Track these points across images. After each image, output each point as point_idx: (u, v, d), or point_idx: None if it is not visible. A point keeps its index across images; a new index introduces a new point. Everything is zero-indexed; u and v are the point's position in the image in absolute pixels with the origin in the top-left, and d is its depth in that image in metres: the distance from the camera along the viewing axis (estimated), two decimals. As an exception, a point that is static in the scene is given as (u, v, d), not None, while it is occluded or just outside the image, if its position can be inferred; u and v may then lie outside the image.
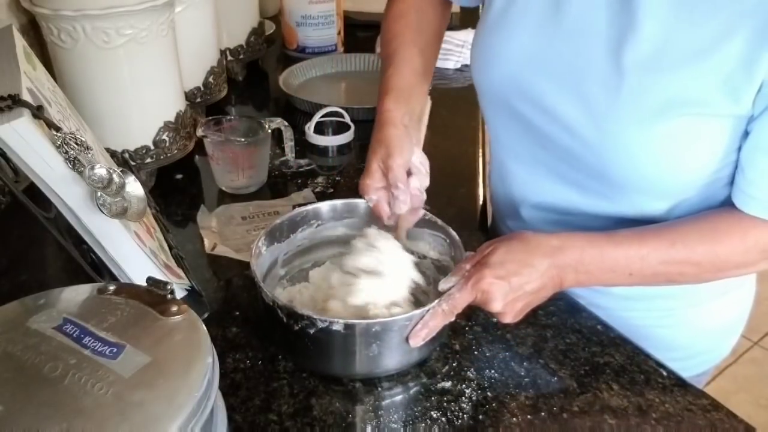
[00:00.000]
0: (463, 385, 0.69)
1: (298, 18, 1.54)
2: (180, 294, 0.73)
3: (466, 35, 1.53)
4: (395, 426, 0.65)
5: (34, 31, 1.01)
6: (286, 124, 1.07)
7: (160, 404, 0.41)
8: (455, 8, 0.93)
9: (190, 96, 1.18)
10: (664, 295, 0.80)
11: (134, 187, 0.64)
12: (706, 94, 0.63)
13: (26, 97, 0.62)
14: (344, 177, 1.08)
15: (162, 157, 1.01)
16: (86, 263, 0.67)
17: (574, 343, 0.75)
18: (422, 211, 0.76)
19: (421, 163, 0.76)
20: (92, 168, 0.60)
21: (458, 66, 1.54)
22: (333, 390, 0.68)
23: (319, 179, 1.07)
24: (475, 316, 0.77)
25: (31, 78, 0.70)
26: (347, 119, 1.18)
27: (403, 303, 0.72)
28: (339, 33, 1.60)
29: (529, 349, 0.74)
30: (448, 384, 0.69)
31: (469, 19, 1.56)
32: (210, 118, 1.03)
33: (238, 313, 0.78)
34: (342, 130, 1.18)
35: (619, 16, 0.66)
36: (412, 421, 0.65)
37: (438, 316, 0.66)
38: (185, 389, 0.42)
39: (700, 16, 0.62)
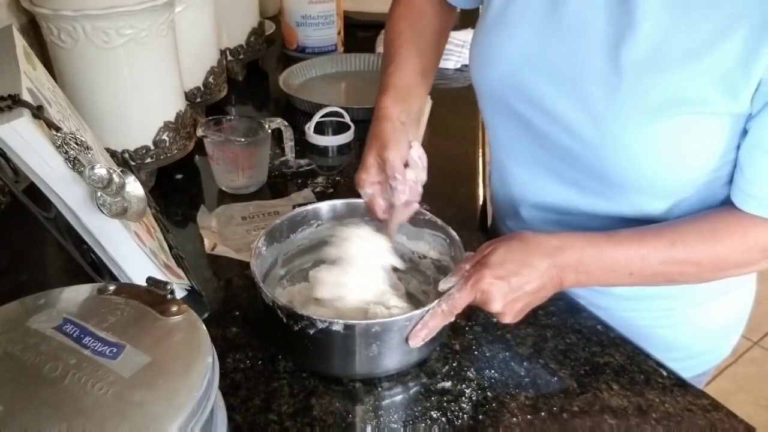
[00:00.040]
0: (463, 385, 0.69)
1: (298, 18, 1.54)
2: (180, 294, 0.73)
3: (466, 35, 1.52)
4: (395, 426, 0.65)
5: (34, 31, 1.01)
6: (286, 124, 1.07)
7: (160, 404, 0.41)
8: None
9: (190, 96, 1.18)
10: (664, 296, 0.80)
11: (134, 187, 0.64)
12: (705, 92, 0.63)
13: (26, 97, 0.62)
14: (344, 177, 1.08)
15: (162, 157, 1.01)
16: (86, 263, 0.67)
17: (574, 343, 0.75)
18: (416, 206, 0.76)
19: (419, 157, 0.76)
20: (92, 168, 0.60)
21: (458, 66, 1.54)
22: (333, 390, 0.68)
23: (319, 179, 1.07)
24: (475, 316, 0.77)
25: (31, 78, 0.70)
26: (347, 119, 1.18)
27: (377, 287, 0.73)
28: (339, 33, 1.60)
29: (529, 349, 0.74)
30: (448, 384, 0.69)
31: (469, 19, 1.55)
32: (210, 118, 1.03)
33: (238, 313, 0.78)
34: (342, 130, 1.18)
35: (617, 16, 0.66)
36: (412, 421, 0.65)
37: (438, 317, 0.66)
38: (185, 389, 0.42)
39: (697, 15, 0.62)
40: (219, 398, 0.49)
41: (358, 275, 0.72)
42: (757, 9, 0.59)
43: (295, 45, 1.58)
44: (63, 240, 0.64)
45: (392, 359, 0.67)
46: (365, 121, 0.84)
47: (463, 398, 0.68)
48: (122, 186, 0.63)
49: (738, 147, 0.67)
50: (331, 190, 1.04)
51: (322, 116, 1.17)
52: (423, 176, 0.76)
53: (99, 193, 0.62)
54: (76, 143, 0.62)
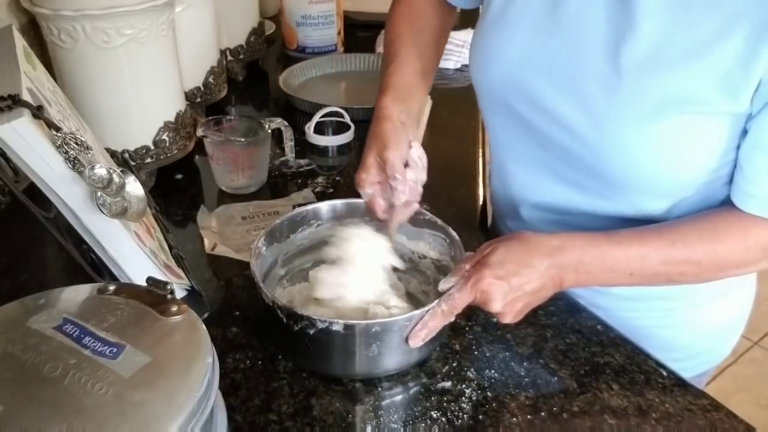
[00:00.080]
0: (463, 385, 0.69)
1: (298, 18, 1.54)
2: (180, 294, 0.73)
3: (466, 35, 1.52)
4: (395, 426, 0.65)
5: (34, 31, 1.01)
6: (286, 124, 1.07)
7: (160, 404, 0.41)
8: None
9: (190, 96, 1.18)
10: (664, 296, 0.80)
11: (134, 187, 0.64)
12: (704, 92, 0.63)
13: (26, 97, 0.62)
14: (344, 177, 1.08)
15: (162, 157, 1.01)
16: (86, 263, 0.67)
17: (574, 343, 0.75)
18: (416, 206, 0.76)
19: (419, 157, 0.76)
20: (92, 168, 0.60)
21: (458, 66, 1.54)
22: (333, 390, 0.68)
23: (319, 179, 1.07)
24: (475, 316, 0.77)
25: (31, 78, 0.70)
26: (347, 119, 1.18)
27: (377, 287, 0.73)
28: (339, 33, 1.60)
29: (529, 349, 0.74)
30: (448, 384, 0.69)
31: (469, 19, 1.55)
32: (210, 118, 1.03)
33: (238, 313, 0.78)
34: (342, 130, 1.18)
35: (617, 16, 0.66)
36: (412, 421, 0.65)
37: (437, 317, 0.66)
38: (185, 389, 0.42)
39: (697, 15, 0.62)
40: (219, 398, 0.49)
41: (357, 275, 0.72)
42: (758, 9, 0.59)
43: (295, 45, 1.58)
44: (63, 240, 0.64)
45: (392, 359, 0.67)
46: (365, 121, 0.84)
47: (463, 398, 0.68)
48: (122, 186, 0.63)
49: (738, 147, 0.67)
50: (331, 190, 1.04)
51: (322, 116, 1.17)
52: (423, 176, 0.76)
53: (99, 193, 0.62)
54: (76, 143, 0.62)
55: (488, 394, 0.68)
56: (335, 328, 0.63)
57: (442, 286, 0.68)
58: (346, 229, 0.76)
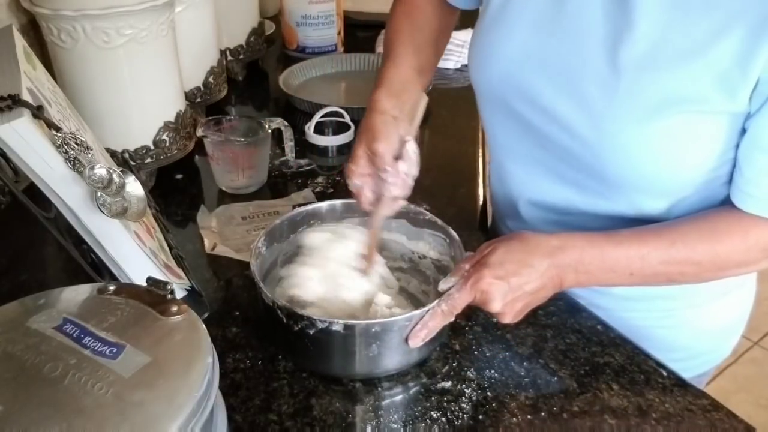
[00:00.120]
0: (463, 385, 0.69)
1: (298, 18, 1.54)
2: (180, 294, 0.73)
3: (466, 35, 1.52)
4: (395, 426, 0.65)
5: (34, 31, 1.01)
6: (286, 124, 1.07)
7: (160, 404, 0.41)
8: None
9: (190, 96, 1.18)
10: (664, 296, 0.80)
11: (134, 187, 0.64)
12: (703, 91, 0.63)
13: (26, 97, 0.62)
14: (344, 177, 1.07)
15: (162, 157, 1.01)
16: (86, 263, 0.67)
17: (574, 343, 0.75)
18: (402, 202, 0.76)
19: (413, 151, 0.76)
20: (92, 168, 0.60)
21: (458, 66, 1.54)
22: (333, 390, 0.68)
23: (319, 179, 1.07)
24: (475, 316, 0.77)
25: (31, 78, 0.70)
26: (347, 119, 1.18)
27: (352, 281, 0.73)
28: (339, 33, 1.60)
29: (529, 349, 0.74)
30: (448, 384, 0.69)
31: (469, 19, 1.55)
32: (210, 118, 1.03)
33: (238, 313, 0.78)
34: (342, 130, 1.18)
35: (615, 15, 0.66)
36: (412, 421, 0.65)
37: (437, 317, 0.66)
38: (185, 389, 0.42)
39: (695, 14, 0.62)
40: (219, 398, 0.49)
41: (319, 272, 0.73)
42: (755, 8, 0.59)
43: (295, 45, 1.58)
44: (63, 240, 0.64)
45: (392, 359, 0.67)
46: (365, 121, 0.84)
47: (463, 398, 0.68)
48: (122, 186, 0.63)
49: (737, 146, 0.67)
50: (331, 190, 1.04)
51: (322, 116, 1.17)
52: (415, 171, 0.76)
53: (99, 193, 0.62)
54: (76, 143, 0.62)
55: (488, 394, 0.68)
56: (335, 328, 0.63)
57: (442, 286, 0.68)
58: (326, 226, 0.77)
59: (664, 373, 0.71)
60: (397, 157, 0.73)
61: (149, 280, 0.51)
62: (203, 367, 0.44)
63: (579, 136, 0.70)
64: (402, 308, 0.73)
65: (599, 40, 0.67)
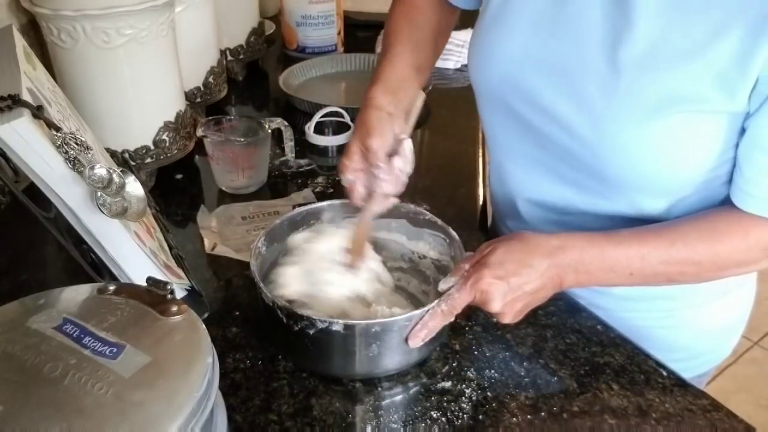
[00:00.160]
0: (463, 385, 0.69)
1: (298, 18, 1.54)
2: (180, 294, 0.73)
3: (467, 35, 1.52)
4: (395, 426, 0.65)
5: (34, 31, 1.01)
6: (286, 124, 1.07)
7: (160, 404, 0.41)
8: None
9: (190, 96, 1.18)
10: (664, 296, 0.80)
11: (134, 187, 0.64)
12: (702, 90, 0.63)
13: (26, 97, 0.62)
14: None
15: (162, 157, 1.01)
16: (86, 263, 0.67)
17: (574, 343, 0.75)
18: (394, 200, 0.76)
19: (409, 149, 0.76)
20: (92, 168, 0.60)
21: (458, 66, 1.54)
22: (333, 390, 0.68)
23: (319, 179, 1.07)
24: (475, 316, 0.77)
25: (31, 78, 0.70)
26: (347, 119, 1.18)
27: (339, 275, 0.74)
28: (339, 33, 1.60)
29: (529, 349, 0.74)
30: (448, 384, 0.69)
31: (469, 19, 1.55)
32: (210, 118, 1.03)
33: (238, 313, 0.78)
34: (342, 130, 1.18)
35: (614, 15, 0.66)
36: (412, 421, 0.65)
37: (437, 317, 0.66)
38: (185, 389, 0.42)
39: (694, 14, 0.62)
40: (219, 398, 0.49)
41: (304, 268, 0.74)
42: (754, 7, 0.59)
43: (295, 45, 1.58)
44: (63, 240, 0.64)
45: (392, 359, 0.67)
46: (365, 121, 0.84)
47: (463, 398, 0.68)
48: (122, 186, 0.63)
49: (736, 146, 0.67)
50: (331, 190, 1.04)
51: (322, 116, 1.17)
52: (409, 169, 0.76)
53: (99, 193, 0.62)
54: (76, 143, 0.62)
55: (488, 394, 0.68)
56: (335, 328, 0.63)
57: (442, 286, 0.68)
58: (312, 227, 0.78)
59: (664, 373, 0.71)
60: (391, 154, 0.73)
61: (149, 280, 0.51)
62: (203, 367, 0.44)
63: (579, 135, 0.70)
64: (402, 308, 0.73)
65: (599, 40, 0.67)
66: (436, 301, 0.66)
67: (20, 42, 0.76)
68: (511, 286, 0.66)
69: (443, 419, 0.65)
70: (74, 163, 0.62)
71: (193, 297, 0.74)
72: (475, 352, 0.73)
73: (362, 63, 1.50)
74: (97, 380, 0.42)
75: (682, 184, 0.71)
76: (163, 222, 0.85)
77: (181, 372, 0.43)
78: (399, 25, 0.87)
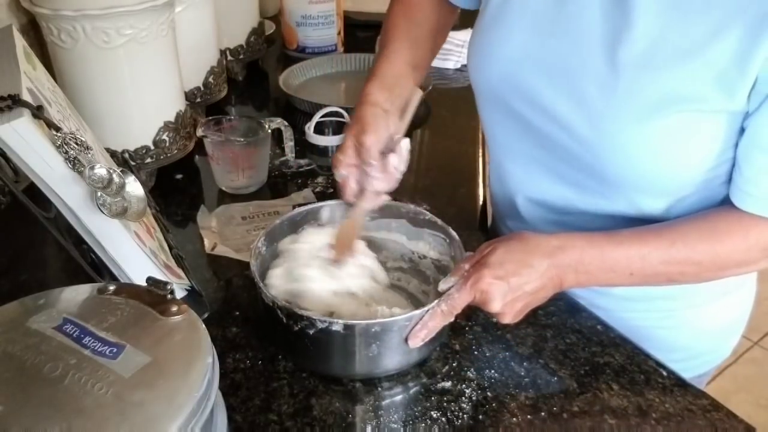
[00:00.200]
0: (463, 385, 0.69)
1: (298, 18, 1.54)
2: (180, 294, 0.73)
3: (466, 35, 1.52)
4: (395, 426, 0.65)
5: (34, 31, 1.01)
6: (286, 124, 1.07)
7: (160, 404, 0.41)
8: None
9: (190, 96, 1.18)
10: (664, 296, 0.80)
11: (134, 187, 0.64)
12: (701, 90, 0.63)
13: (26, 97, 0.62)
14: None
15: (162, 157, 1.01)
16: (86, 263, 0.67)
17: (574, 343, 0.75)
18: (385, 197, 0.76)
19: (406, 148, 0.76)
20: (92, 168, 0.60)
21: (458, 66, 1.54)
22: (333, 390, 0.68)
23: (319, 179, 1.07)
24: (475, 316, 0.77)
25: (31, 78, 0.70)
26: (347, 119, 1.18)
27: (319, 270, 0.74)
28: (339, 33, 1.60)
29: (529, 349, 0.74)
30: (448, 384, 0.69)
31: (469, 19, 1.55)
32: (210, 118, 1.03)
33: (238, 313, 0.78)
34: (342, 130, 1.18)
35: (613, 15, 0.66)
36: (412, 421, 0.65)
37: (437, 317, 0.66)
38: (185, 389, 0.42)
39: (693, 14, 0.62)
40: (219, 398, 0.49)
41: (287, 267, 0.74)
42: (753, 7, 0.59)
43: (295, 45, 1.58)
44: (63, 240, 0.64)
45: (392, 359, 0.67)
46: (365, 121, 0.84)
47: (463, 398, 0.68)
48: (122, 186, 0.63)
49: (736, 145, 0.67)
50: (331, 190, 1.04)
51: (322, 116, 1.17)
52: (403, 167, 0.76)
53: (99, 193, 0.62)
54: (76, 143, 0.62)
55: (488, 394, 0.68)
56: (335, 328, 0.63)
57: (442, 286, 0.68)
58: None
59: (664, 373, 0.71)
60: (385, 151, 0.73)
61: (149, 280, 0.51)
62: (203, 367, 0.44)
63: (578, 135, 0.70)
64: (402, 308, 0.73)
65: (598, 39, 0.67)
66: (436, 301, 0.66)
67: (20, 42, 0.76)
68: (511, 286, 0.66)
69: (443, 419, 0.65)
70: (74, 163, 0.62)
71: (193, 297, 0.74)
72: (475, 352, 0.73)
73: (362, 63, 1.50)
74: (97, 380, 0.42)
75: (681, 184, 0.71)
76: (163, 222, 0.85)
77: (181, 372, 0.43)
78: (397, 22, 0.87)
